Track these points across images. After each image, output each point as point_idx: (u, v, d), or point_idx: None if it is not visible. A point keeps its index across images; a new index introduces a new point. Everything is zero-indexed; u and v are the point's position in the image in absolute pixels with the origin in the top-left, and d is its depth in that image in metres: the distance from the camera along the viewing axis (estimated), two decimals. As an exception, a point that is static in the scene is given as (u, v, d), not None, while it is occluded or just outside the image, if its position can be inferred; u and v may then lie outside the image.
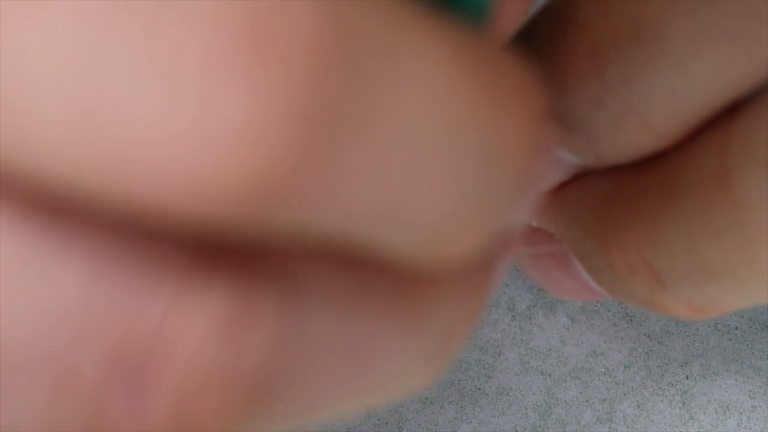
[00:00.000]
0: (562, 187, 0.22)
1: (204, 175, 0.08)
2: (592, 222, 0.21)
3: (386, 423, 0.29)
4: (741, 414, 0.30)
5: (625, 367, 0.30)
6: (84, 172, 0.07)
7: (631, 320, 0.31)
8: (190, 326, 0.09)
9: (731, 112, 0.18)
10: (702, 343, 0.31)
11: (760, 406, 0.30)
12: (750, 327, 0.31)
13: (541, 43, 0.19)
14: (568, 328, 0.31)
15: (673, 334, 0.31)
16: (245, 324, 0.09)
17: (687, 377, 0.30)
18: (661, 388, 0.30)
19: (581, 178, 0.22)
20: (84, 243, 0.08)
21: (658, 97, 0.18)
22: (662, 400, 0.30)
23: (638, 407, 0.30)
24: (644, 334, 0.31)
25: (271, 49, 0.07)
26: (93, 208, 0.08)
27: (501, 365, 0.30)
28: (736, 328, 0.31)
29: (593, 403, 0.30)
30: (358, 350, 0.10)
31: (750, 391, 0.30)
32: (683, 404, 0.30)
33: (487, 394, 0.30)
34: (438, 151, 0.09)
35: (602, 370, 0.30)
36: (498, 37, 0.14)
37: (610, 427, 0.29)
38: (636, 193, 0.20)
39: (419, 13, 0.09)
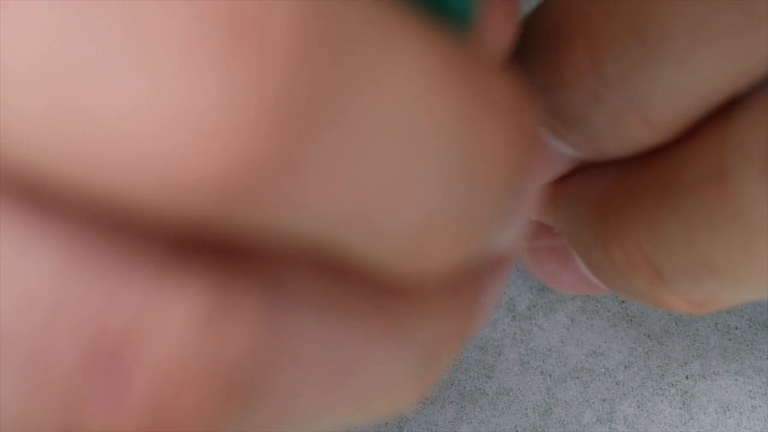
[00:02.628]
0: (562, 181, 0.22)
1: (180, 169, 0.07)
2: (592, 217, 0.21)
3: (386, 423, 0.29)
4: (741, 414, 0.30)
5: (625, 367, 0.30)
6: (62, 164, 0.07)
7: (631, 320, 0.31)
8: (168, 317, 0.09)
9: (728, 109, 0.18)
10: (702, 343, 0.31)
11: (760, 406, 0.30)
12: (750, 327, 0.31)
13: (541, 39, 0.20)
14: (568, 328, 0.31)
15: (673, 334, 0.31)
16: (225, 317, 0.09)
17: (687, 377, 0.30)
18: (661, 388, 0.30)
19: (581, 172, 0.22)
20: (61, 229, 0.08)
21: (657, 92, 0.18)
22: (662, 400, 0.30)
23: (638, 407, 0.30)
24: (644, 334, 0.31)
25: (249, 43, 0.07)
26: (70, 198, 0.08)
27: (501, 365, 0.30)
28: (736, 328, 0.31)
29: (593, 403, 0.30)
30: (339, 356, 0.10)
31: (750, 391, 0.30)
32: (683, 404, 0.30)
33: (488, 394, 0.30)
34: (417, 154, 0.09)
35: (602, 370, 0.30)
36: (485, 47, 0.14)
37: (610, 427, 0.29)
38: (636, 189, 0.20)
39: (405, 15, 0.09)
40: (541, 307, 0.31)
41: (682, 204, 0.19)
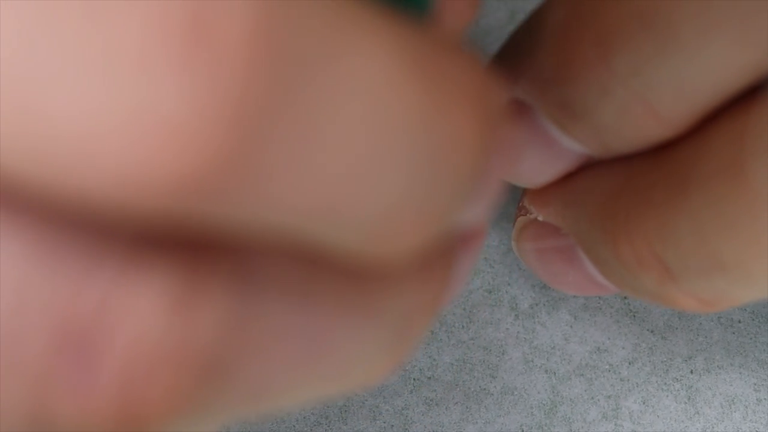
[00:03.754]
0: (569, 178, 0.22)
1: (140, 167, 0.08)
2: (601, 214, 0.21)
3: (392, 426, 0.29)
4: (746, 407, 0.30)
5: (630, 363, 0.30)
6: (26, 163, 0.08)
7: (634, 316, 0.31)
8: (135, 303, 0.09)
9: (746, 102, 0.18)
10: (706, 337, 0.31)
11: (765, 398, 0.30)
12: (753, 320, 0.31)
13: (550, 33, 0.19)
14: (571, 326, 0.31)
15: (677, 329, 0.31)
16: (193, 303, 0.09)
17: (691, 372, 0.30)
18: (665, 383, 0.30)
19: (589, 169, 0.22)
20: (26, 221, 0.09)
21: (666, 84, 0.18)
22: (667, 395, 0.30)
23: (643, 403, 0.30)
24: (648, 330, 0.31)
25: (208, 45, 0.08)
26: (36, 195, 0.08)
27: (505, 365, 0.30)
28: (740, 322, 0.31)
29: (598, 399, 0.30)
30: (311, 336, 0.11)
31: (755, 384, 0.30)
32: (688, 399, 0.30)
33: (492, 394, 0.30)
34: (380, 145, 0.09)
35: (606, 366, 0.30)
36: (446, 31, 0.14)
37: (616, 424, 0.29)
38: (645, 186, 0.20)
39: (364, 10, 0.09)
40: (544, 305, 0.31)
41: (693, 200, 0.19)
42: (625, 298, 0.31)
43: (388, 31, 0.09)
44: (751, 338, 0.31)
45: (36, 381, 0.09)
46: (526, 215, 0.25)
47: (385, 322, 0.12)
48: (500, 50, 0.22)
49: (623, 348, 0.31)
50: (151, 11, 0.07)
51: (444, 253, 0.12)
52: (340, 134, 0.09)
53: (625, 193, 0.20)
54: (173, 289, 0.09)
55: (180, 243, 0.09)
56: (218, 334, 0.09)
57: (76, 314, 0.09)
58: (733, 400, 0.30)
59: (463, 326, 0.31)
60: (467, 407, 0.30)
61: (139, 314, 0.09)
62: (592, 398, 0.30)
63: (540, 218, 0.24)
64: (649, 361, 0.30)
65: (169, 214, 0.08)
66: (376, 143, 0.09)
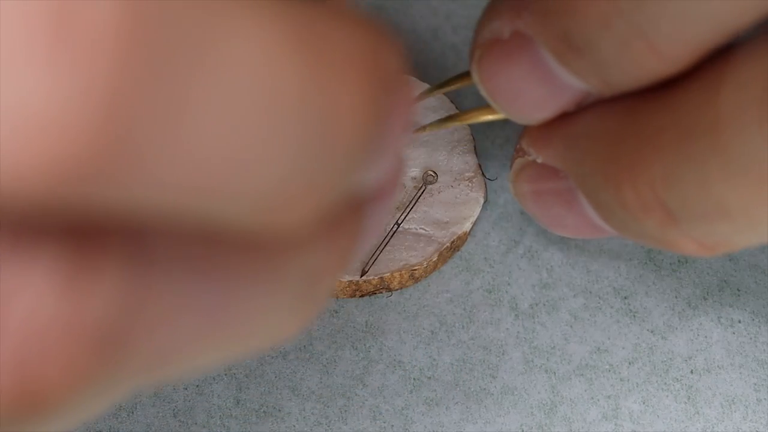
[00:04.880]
0: (570, 119, 0.22)
1: (17, 159, 0.08)
2: (604, 158, 0.21)
3: (392, 426, 0.29)
4: (746, 407, 0.30)
5: (630, 363, 0.30)
6: None
7: (634, 316, 0.31)
8: (24, 285, 0.09)
9: (741, 45, 0.18)
10: (705, 337, 0.31)
11: (765, 398, 0.30)
12: (753, 320, 0.31)
13: None
14: (571, 326, 0.31)
15: (677, 328, 0.31)
16: (84, 281, 0.09)
17: (691, 372, 0.30)
18: (665, 383, 0.30)
19: (590, 109, 0.22)
20: None
21: (666, 19, 0.18)
22: (667, 395, 0.30)
23: (643, 403, 0.30)
24: (647, 330, 0.31)
25: (73, 34, 0.08)
26: None
27: (505, 365, 0.30)
28: (740, 322, 0.31)
29: (598, 399, 0.30)
30: (213, 306, 0.11)
31: (755, 384, 0.30)
32: (688, 399, 0.30)
33: (492, 394, 0.30)
34: (261, 126, 0.09)
35: (606, 366, 0.30)
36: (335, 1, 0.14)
37: (615, 424, 0.29)
38: (652, 131, 0.20)
39: None
40: (544, 305, 0.31)
41: (700, 146, 0.19)
42: (625, 298, 0.31)
43: (269, 8, 0.09)
44: (751, 338, 0.31)
45: None
46: (524, 156, 0.24)
47: (289, 286, 0.12)
48: None
49: (623, 348, 0.31)
50: (13, 9, 0.07)
51: (348, 215, 0.12)
52: (220, 115, 0.09)
53: (630, 137, 0.20)
54: (63, 269, 0.09)
55: (69, 225, 0.10)
56: (112, 310, 0.10)
57: None
58: (733, 400, 0.30)
59: (463, 326, 0.31)
60: (467, 407, 0.30)
61: (30, 295, 0.09)
62: (592, 398, 0.30)
63: (539, 160, 0.24)
64: (649, 361, 0.30)
65: (53, 199, 0.09)
66: (258, 121, 0.09)
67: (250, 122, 0.09)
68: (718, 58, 0.19)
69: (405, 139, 0.12)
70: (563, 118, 0.22)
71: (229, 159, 0.09)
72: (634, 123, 0.21)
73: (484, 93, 0.23)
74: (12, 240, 0.09)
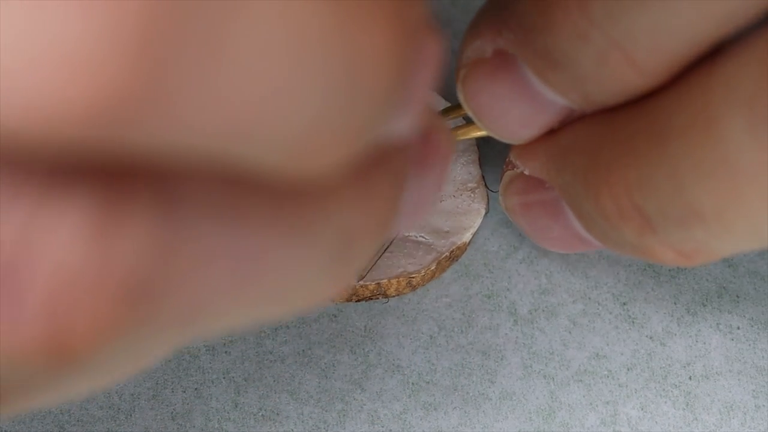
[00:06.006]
0: (553, 134, 0.23)
1: (52, 101, 0.08)
2: (583, 166, 0.21)
3: (390, 430, 0.29)
4: (745, 414, 0.30)
5: (628, 369, 0.30)
6: None
7: (633, 322, 0.31)
8: (54, 234, 0.09)
9: (715, 55, 0.18)
10: (704, 343, 0.31)
11: (764, 405, 0.30)
12: (752, 326, 0.31)
13: None
14: (570, 331, 0.31)
15: (675, 335, 0.31)
16: (113, 230, 0.09)
17: (690, 378, 0.30)
18: (664, 390, 0.30)
19: (573, 123, 0.22)
20: None
21: (642, 31, 0.18)
22: (666, 402, 0.30)
23: (642, 409, 0.30)
24: (646, 336, 0.31)
25: None
26: None
27: (504, 370, 0.30)
28: (738, 328, 0.31)
29: (597, 405, 0.30)
30: (243, 259, 0.11)
31: (753, 390, 0.30)
32: (687, 405, 0.30)
33: (491, 399, 0.30)
34: (290, 69, 0.09)
35: (605, 372, 0.30)
36: None
37: (614, 430, 0.29)
38: (626, 136, 0.20)
39: None
40: (543, 310, 0.31)
41: (672, 150, 0.19)
42: (624, 303, 0.31)
43: None
44: (750, 344, 0.31)
45: None
46: (513, 169, 0.25)
47: (322, 243, 0.12)
48: (486, 2, 0.22)
49: (621, 354, 0.31)
50: None
51: (384, 169, 0.12)
52: (252, 56, 0.09)
53: (607, 145, 0.21)
54: (92, 218, 0.09)
55: (98, 172, 0.09)
56: (142, 259, 0.10)
57: None
58: (731, 407, 0.30)
59: (461, 331, 0.31)
60: (465, 412, 0.30)
61: (59, 244, 0.09)
62: (591, 404, 0.30)
63: (526, 172, 0.24)
64: (648, 367, 0.30)
65: (84, 144, 0.08)
66: (288, 64, 0.09)
67: (281, 65, 0.09)
68: (692, 66, 0.19)
69: (429, 95, 0.12)
70: (548, 131, 0.23)
71: (260, 102, 0.09)
72: (611, 131, 0.21)
73: (469, 112, 0.23)
74: (44, 185, 0.09)
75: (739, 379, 0.30)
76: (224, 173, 0.10)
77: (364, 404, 0.30)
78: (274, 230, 0.11)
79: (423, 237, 0.31)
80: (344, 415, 0.29)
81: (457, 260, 0.32)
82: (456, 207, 0.31)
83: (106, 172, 0.09)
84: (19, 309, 0.09)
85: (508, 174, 0.25)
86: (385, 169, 0.12)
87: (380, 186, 0.12)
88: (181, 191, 0.10)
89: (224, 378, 0.30)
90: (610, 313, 0.31)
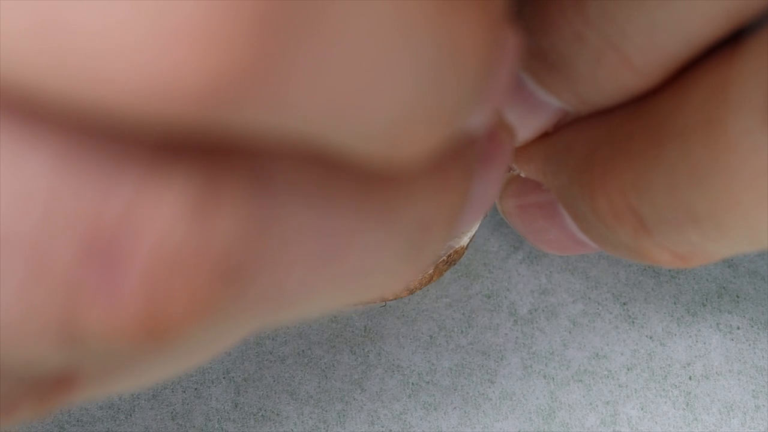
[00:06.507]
0: (548, 136, 0.23)
1: (162, 78, 0.08)
2: (578, 167, 0.22)
3: (390, 430, 0.29)
4: (745, 414, 0.30)
5: (628, 370, 0.30)
6: (50, 78, 0.08)
7: (633, 322, 0.31)
8: (157, 208, 0.09)
9: (726, 55, 0.18)
10: (704, 343, 0.31)
11: (764, 405, 0.30)
12: (752, 327, 0.31)
13: None
14: (570, 332, 0.31)
15: (675, 335, 0.31)
16: (212, 208, 0.09)
17: (690, 378, 0.30)
18: (664, 390, 0.30)
19: (569, 125, 0.22)
20: (51, 134, 0.09)
21: (638, 32, 0.18)
22: (666, 402, 0.30)
23: (642, 409, 0.30)
24: (646, 336, 0.31)
25: None
26: (60, 108, 0.09)
27: (504, 370, 0.30)
28: (738, 328, 0.31)
29: (597, 405, 0.30)
30: (327, 240, 0.11)
31: (753, 390, 0.30)
32: (687, 405, 0.30)
33: (491, 399, 0.30)
34: (389, 51, 0.09)
35: (605, 372, 0.30)
36: None
37: (614, 430, 0.29)
38: (622, 137, 0.20)
39: None
40: (543, 311, 0.31)
41: (669, 152, 0.19)
42: (624, 304, 0.31)
43: None
44: (750, 345, 0.31)
45: (66, 292, 0.09)
46: (510, 172, 0.25)
47: (401, 228, 0.12)
48: None
49: (622, 354, 0.31)
50: None
51: (459, 163, 0.13)
52: (358, 36, 0.09)
53: (603, 146, 0.21)
54: (193, 195, 0.09)
55: (200, 150, 0.10)
56: (237, 238, 0.10)
57: (102, 223, 0.09)
58: (731, 407, 0.30)
59: (462, 331, 0.31)
60: (465, 412, 0.30)
61: (161, 220, 0.09)
62: (591, 404, 0.30)
63: (522, 174, 0.24)
64: (648, 368, 0.30)
65: (193, 122, 0.09)
66: (393, 46, 0.09)
67: (386, 48, 0.09)
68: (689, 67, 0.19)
69: (506, 93, 0.12)
70: (544, 134, 0.23)
71: (363, 85, 0.09)
72: (606, 133, 0.21)
73: None
74: (148, 162, 0.09)
75: (739, 379, 0.30)
76: (316, 156, 0.11)
77: (364, 404, 0.30)
78: (360, 214, 0.11)
79: (423, 237, 0.31)
80: (344, 415, 0.29)
81: (454, 264, 0.32)
82: (456, 207, 0.31)
83: (207, 150, 0.10)
84: (120, 284, 0.09)
85: (505, 176, 0.26)
86: (460, 162, 0.13)
87: (454, 178, 0.13)
88: (274, 171, 0.10)
89: (224, 378, 0.30)
90: (610, 313, 0.31)
